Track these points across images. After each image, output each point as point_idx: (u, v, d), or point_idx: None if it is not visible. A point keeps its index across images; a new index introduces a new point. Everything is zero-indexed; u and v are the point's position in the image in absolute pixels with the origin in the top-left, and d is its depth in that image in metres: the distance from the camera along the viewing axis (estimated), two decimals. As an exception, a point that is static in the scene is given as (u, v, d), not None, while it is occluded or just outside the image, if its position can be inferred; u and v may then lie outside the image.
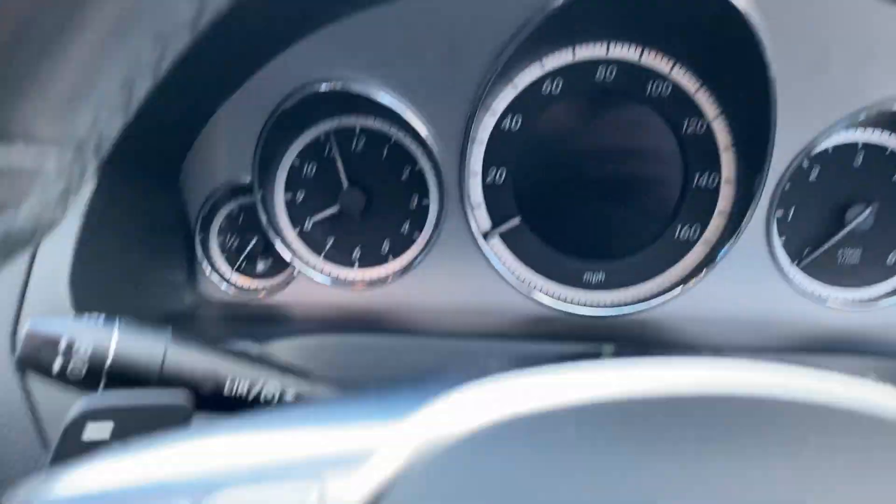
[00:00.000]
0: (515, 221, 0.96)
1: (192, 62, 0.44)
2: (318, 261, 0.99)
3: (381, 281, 0.98)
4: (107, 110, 0.29)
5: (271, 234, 0.96)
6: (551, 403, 0.31)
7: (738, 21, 0.81)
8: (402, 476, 0.28)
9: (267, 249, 0.99)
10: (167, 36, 0.27)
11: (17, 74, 0.25)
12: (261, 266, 1.00)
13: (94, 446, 0.44)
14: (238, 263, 0.99)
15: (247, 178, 0.94)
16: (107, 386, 0.51)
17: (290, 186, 0.98)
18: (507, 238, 0.98)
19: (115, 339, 0.52)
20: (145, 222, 0.87)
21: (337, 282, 0.99)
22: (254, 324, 0.91)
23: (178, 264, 0.95)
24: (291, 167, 0.97)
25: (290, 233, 0.99)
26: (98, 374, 0.51)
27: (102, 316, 0.55)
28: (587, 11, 0.84)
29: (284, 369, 0.57)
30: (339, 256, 0.99)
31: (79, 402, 0.45)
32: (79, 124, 0.28)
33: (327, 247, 0.99)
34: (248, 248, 0.98)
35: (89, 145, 0.30)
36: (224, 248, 1.00)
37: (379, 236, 0.99)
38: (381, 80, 0.89)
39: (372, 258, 0.99)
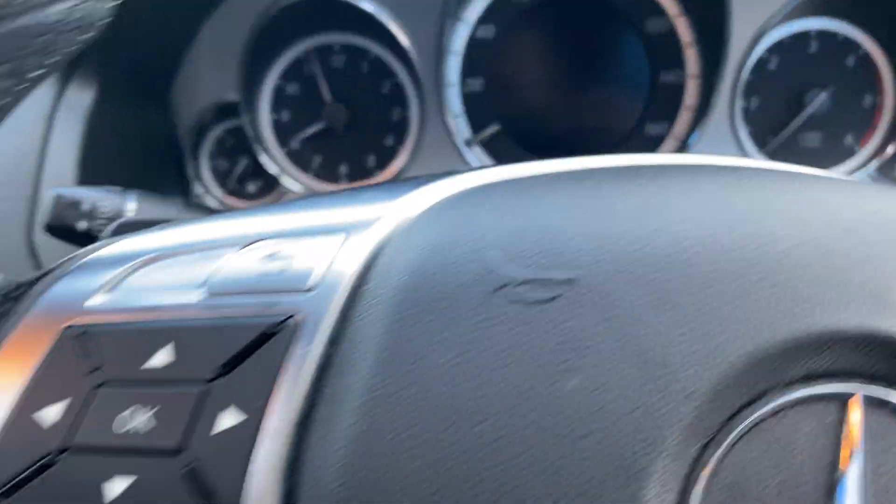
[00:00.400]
0: (495, 128, 1.00)
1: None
2: (307, 178, 1.03)
3: (370, 193, 1.02)
4: None
5: (258, 152, 0.99)
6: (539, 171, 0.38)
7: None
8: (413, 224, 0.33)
9: (256, 171, 1.02)
10: None
11: None
12: (251, 188, 1.03)
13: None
14: (229, 186, 1.02)
15: (233, 96, 0.97)
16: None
17: (276, 108, 1.01)
18: (488, 146, 1.02)
19: (133, 203, 0.56)
20: (141, 140, 0.90)
21: (327, 197, 1.02)
22: None
23: (172, 184, 0.98)
24: (276, 88, 1.00)
25: (277, 152, 1.02)
26: (120, 235, 0.55)
27: (119, 188, 0.58)
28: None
29: None
30: (327, 174, 1.03)
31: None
32: None
33: (315, 165, 1.02)
34: (239, 171, 1.01)
35: None
36: (215, 173, 1.03)
37: (364, 150, 1.02)
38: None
39: (359, 173, 1.03)
